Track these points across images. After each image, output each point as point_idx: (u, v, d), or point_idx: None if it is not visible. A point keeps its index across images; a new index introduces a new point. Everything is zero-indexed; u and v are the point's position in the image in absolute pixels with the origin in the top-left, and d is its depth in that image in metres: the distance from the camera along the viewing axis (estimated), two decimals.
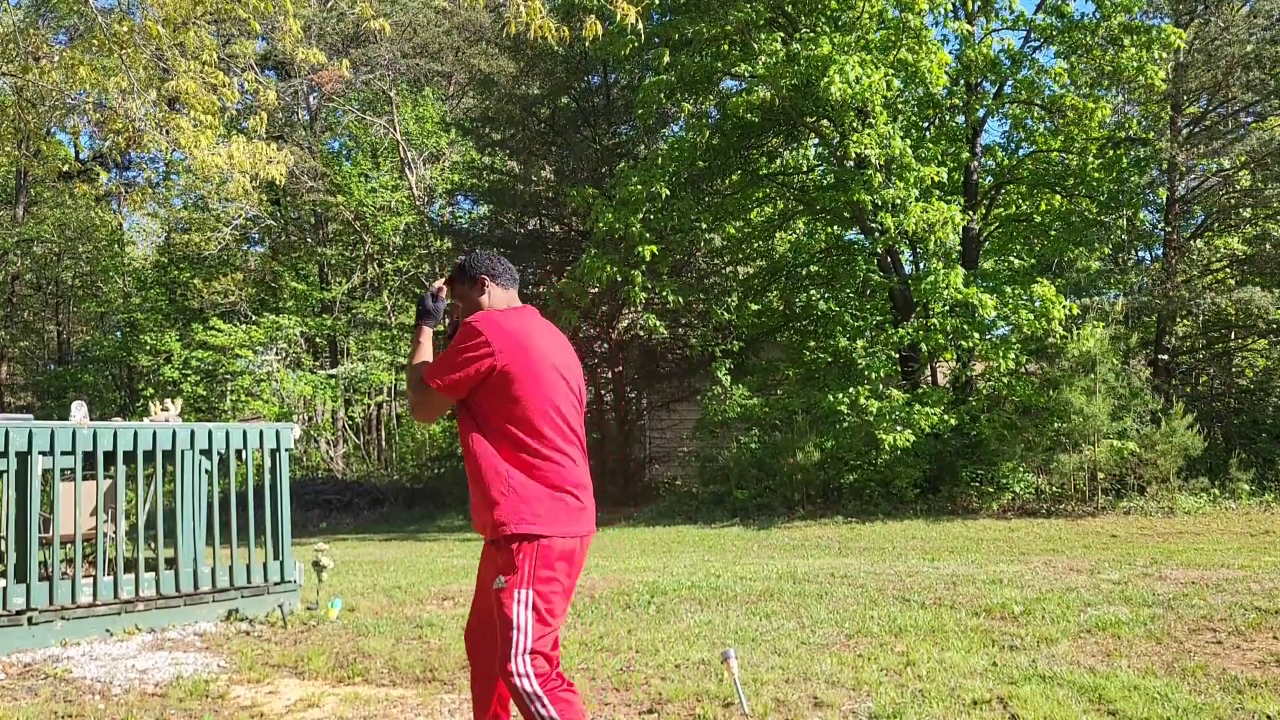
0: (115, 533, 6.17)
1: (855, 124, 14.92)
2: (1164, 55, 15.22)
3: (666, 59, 15.81)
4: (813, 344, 17.66)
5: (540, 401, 2.97)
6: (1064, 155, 16.76)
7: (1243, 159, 16.56)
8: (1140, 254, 19.34)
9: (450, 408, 3.11)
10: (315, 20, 23.04)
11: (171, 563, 6.57)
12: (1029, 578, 7.67)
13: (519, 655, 2.83)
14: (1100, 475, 14.02)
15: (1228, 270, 18.17)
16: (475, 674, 3.25)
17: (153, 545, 6.99)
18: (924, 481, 14.86)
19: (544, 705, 2.80)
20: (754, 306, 18.67)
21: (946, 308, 15.43)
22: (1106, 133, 16.83)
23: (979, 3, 16.45)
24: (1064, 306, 14.76)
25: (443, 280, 3.33)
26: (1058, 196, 16.79)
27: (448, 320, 3.33)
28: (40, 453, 5.84)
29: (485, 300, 3.19)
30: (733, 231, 18.71)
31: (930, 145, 16.18)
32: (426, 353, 3.20)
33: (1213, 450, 14.95)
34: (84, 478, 6.43)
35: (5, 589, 5.66)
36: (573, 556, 2.97)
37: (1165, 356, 17.17)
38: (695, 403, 18.60)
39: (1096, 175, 16.10)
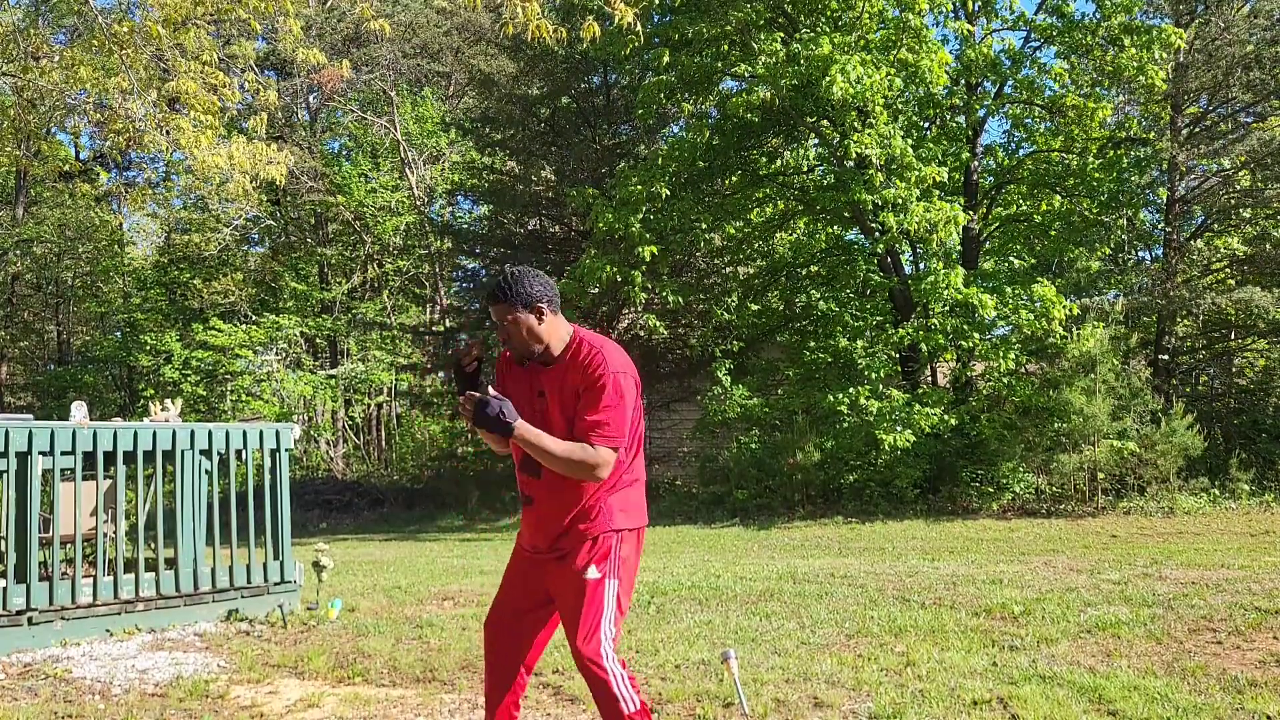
0: (115, 533, 6.17)
1: (855, 124, 14.92)
2: (1164, 55, 15.22)
3: (666, 59, 15.81)
4: (813, 344, 17.64)
5: (640, 420, 3.19)
6: (1064, 155, 16.76)
7: (1243, 159, 16.56)
8: (1140, 254, 19.36)
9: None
10: (315, 20, 23.05)
11: (171, 563, 6.57)
12: (1029, 578, 7.67)
13: (607, 640, 3.02)
14: (1100, 475, 14.02)
15: (1228, 270, 18.16)
16: (491, 665, 3.28)
17: (153, 545, 6.99)
18: (924, 482, 14.86)
19: (626, 685, 2.99)
20: (754, 306, 18.66)
21: (946, 308, 15.43)
22: (1107, 133, 16.83)
23: (979, 3, 16.46)
24: (1064, 306, 14.76)
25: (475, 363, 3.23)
26: (1058, 196, 16.80)
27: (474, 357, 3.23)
28: (40, 453, 5.84)
29: (545, 330, 3.09)
30: (733, 231, 18.70)
31: (931, 145, 16.17)
32: (548, 437, 3.03)
33: (1213, 450, 14.95)
34: (84, 478, 6.43)
35: (5, 589, 5.66)
36: (640, 543, 3.24)
37: (1165, 356, 17.17)
38: (695, 403, 18.59)
39: (1097, 175, 16.10)
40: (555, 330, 3.11)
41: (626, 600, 3.15)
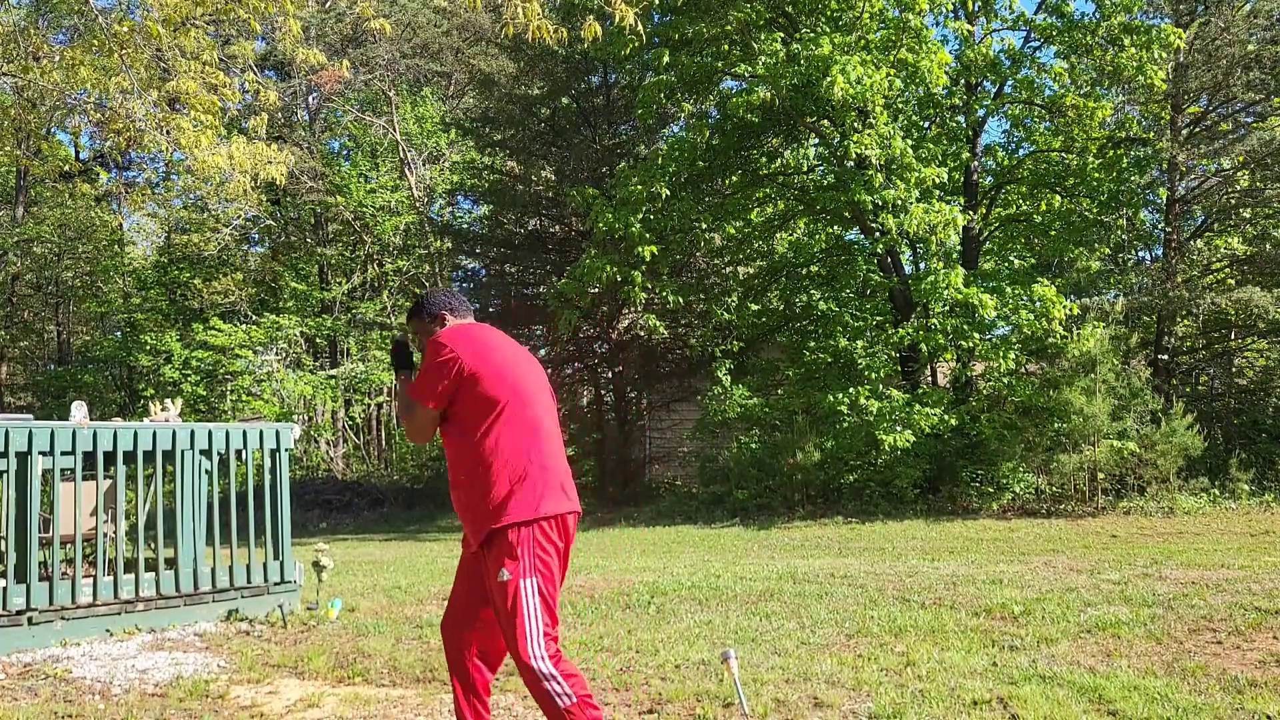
0: (115, 533, 6.17)
1: (856, 124, 14.93)
2: (1164, 55, 15.22)
3: (666, 59, 15.81)
4: (813, 344, 17.65)
5: (510, 397, 3.23)
6: (1064, 155, 16.76)
7: (1242, 159, 16.55)
8: (1140, 254, 19.35)
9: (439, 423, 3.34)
10: (315, 21, 23.04)
11: (171, 563, 6.57)
12: (1029, 578, 7.67)
13: (534, 640, 3.08)
14: (1100, 475, 14.01)
15: (1228, 270, 18.16)
16: (453, 665, 3.39)
17: (153, 545, 6.99)
18: (924, 482, 14.86)
19: (558, 682, 3.07)
20: (754, 306, 18.67)
21: (946, 308, 15.43)
22: (1106, 133, 16.82)
23: (979, 3, 16.46)
24: (1064, 306, 14.76)
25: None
26: (1058, 196, 16.81)
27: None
28: (40, 453, 5.84)
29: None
30: (733, 231, 18.71)
31: (930, 145, 16.18)
32: (409, 387, 3.42)
33: (1213, 450, 14.94)
34: (84, 478, 6.43)
35: (5, 589, 5.66)
36: (564, 535, 3.25)
37: (1165, 356, 17.17)
38: (695, 403, 18.59)
39: (1096, 175, 16.10)
40: None
41: (553, 591, 3.17)
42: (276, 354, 23.70)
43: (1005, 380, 15.23)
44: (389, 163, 26.34)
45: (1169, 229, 17.62)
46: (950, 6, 15.90)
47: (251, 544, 6.65)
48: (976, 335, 15.09)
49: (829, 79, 13.77)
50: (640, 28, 7.37)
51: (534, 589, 3.11)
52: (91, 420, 6.22)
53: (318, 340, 26.10)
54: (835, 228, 18.26)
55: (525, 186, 21.28)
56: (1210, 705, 4.02)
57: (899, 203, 14.56)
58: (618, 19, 6.99)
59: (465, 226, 25.56)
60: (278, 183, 10.66)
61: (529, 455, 3.21)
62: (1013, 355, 14.97)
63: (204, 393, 22.95)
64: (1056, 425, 14.12)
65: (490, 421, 3.19)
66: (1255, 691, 4.22)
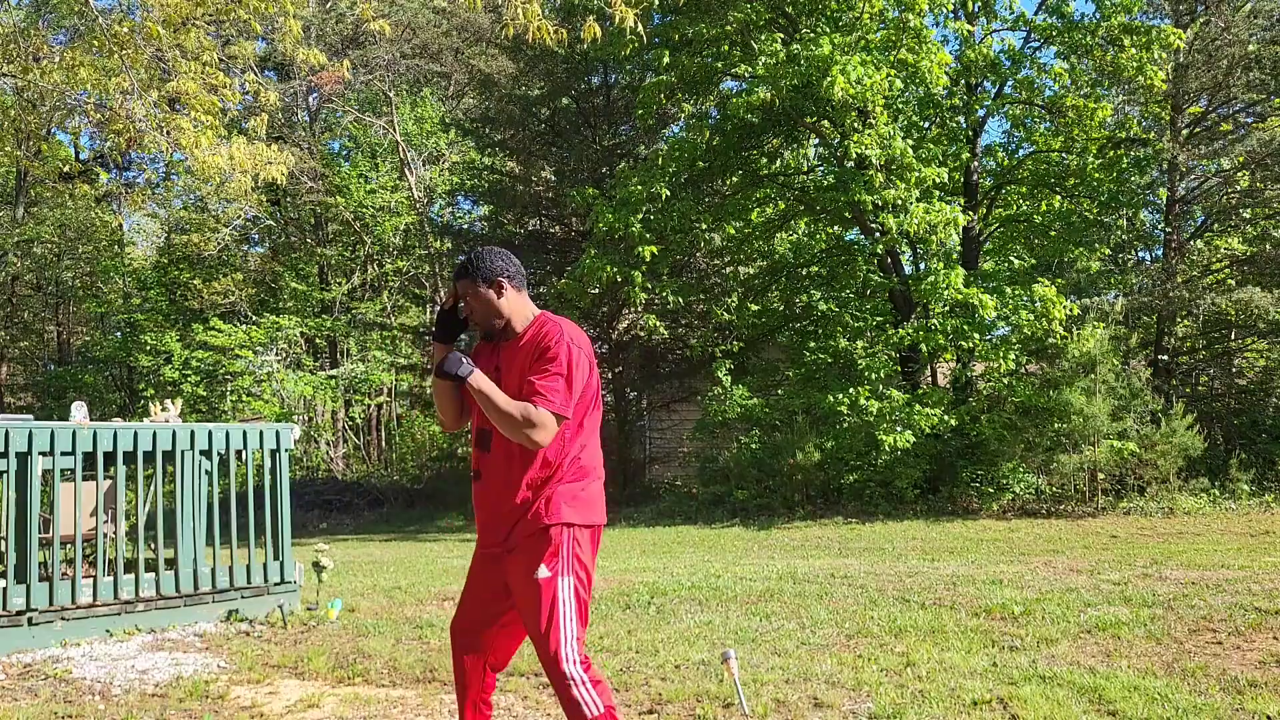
0: (115, 533, 6.17)
1: (856, 124, 14.93)
2: (1164, 55, 15.23)
3: (666, 59, 15.82)
4: (813, 344, 17.65)
5: (597, 395, 3.17)
6: (1064, 155, 16.77)
7: (1242, 159, 16.56)
8: (1140, 254, 19.36)
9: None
10: (315, 21, 23.04)
11: (171, 563, 6.57)
12: (1029, 578, 7.67)
13: (567, 643, 2.97)
14: (1100, 475, 14.02)
15: (1228, 270, 18.17)
16: (458, 667, 3.29)
17: (153, 545, 6.99)
18: (924, 482, 14.86)
19: (588, 690, 2.95)
20: (754, 307, 18.66)
21: (946, 308, 15.43)
22: (1107, 133, 16.83)
23: (979, 3, 16.47)
24: (1064, 307, 14.77)
25: (454, 307, 3.21)
26: (1058, 197, 16.81)
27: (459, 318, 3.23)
28: (40, 453, 5.84)
29: (505, 304, 3.14)
30: (733, 232, 18.70)
31: (931, 145, 16.18)
32: (499, 391, 3.04)
33: (1213, 450, 14.95)
34: (84, 478, 6.43)
35: (5, 589, 5.66)
36: (596, 544, 3.19)
37: (1165, 357, 17.17)
38: (695, 403, 18.59)
39: (1096, 175, 16.11)
40: (517, 307, 3.16)
41: (586, 597, 3.08)
42: (276, 354, 23.69)
43: (1005, 380, 15.23)
44: (389, 163, 26.34)
45: (1169, 229, 17.63)
46: (950, 6, 15.89)
47: (251, 544, 6.65)
48: (976, 335, 15.09)
49: (829, 79, 13.77)
50: (640, 28, 7.38)
51: (571, 589, 3.01)
52: (91, 420, 6.22)
53: (318, 340, 26.10)
54: (835, 228, 18.26)
55: (525, 187, 21.28)
56: (1210, 705, 4.02)
57: (899, 203, 14.57)
58: (618, 19, 6.98)
59: (465, 227, 25.56)
60: (278, 183, 10.67)
61: (598, 458, 3.18)
62: (1013, 355, 14.97)
63: (204, 393, 22.94)
64: (1056, 425, 14.12)
65: (585, 420, 3.11)
66: (1255, 692, 4.22)
